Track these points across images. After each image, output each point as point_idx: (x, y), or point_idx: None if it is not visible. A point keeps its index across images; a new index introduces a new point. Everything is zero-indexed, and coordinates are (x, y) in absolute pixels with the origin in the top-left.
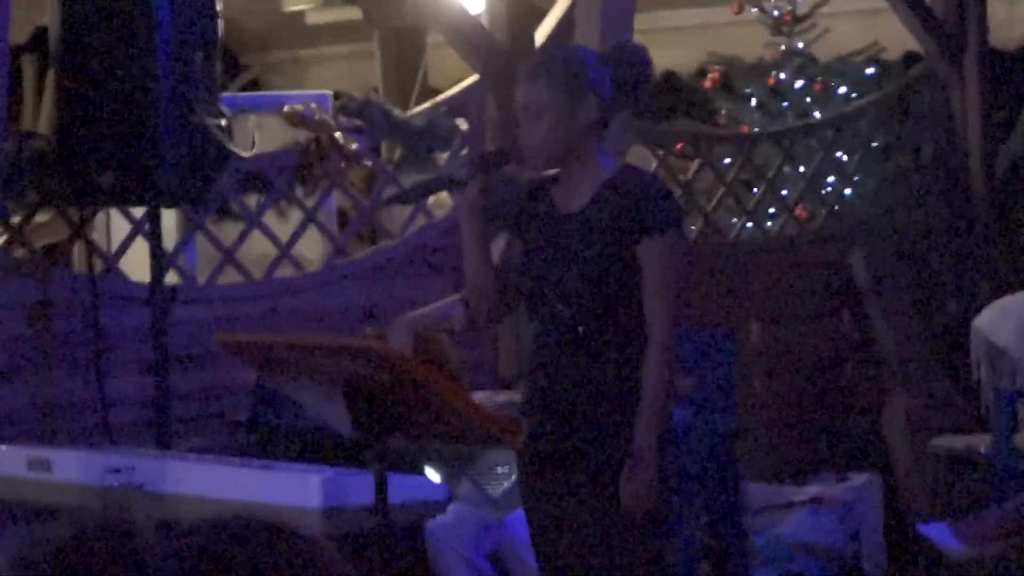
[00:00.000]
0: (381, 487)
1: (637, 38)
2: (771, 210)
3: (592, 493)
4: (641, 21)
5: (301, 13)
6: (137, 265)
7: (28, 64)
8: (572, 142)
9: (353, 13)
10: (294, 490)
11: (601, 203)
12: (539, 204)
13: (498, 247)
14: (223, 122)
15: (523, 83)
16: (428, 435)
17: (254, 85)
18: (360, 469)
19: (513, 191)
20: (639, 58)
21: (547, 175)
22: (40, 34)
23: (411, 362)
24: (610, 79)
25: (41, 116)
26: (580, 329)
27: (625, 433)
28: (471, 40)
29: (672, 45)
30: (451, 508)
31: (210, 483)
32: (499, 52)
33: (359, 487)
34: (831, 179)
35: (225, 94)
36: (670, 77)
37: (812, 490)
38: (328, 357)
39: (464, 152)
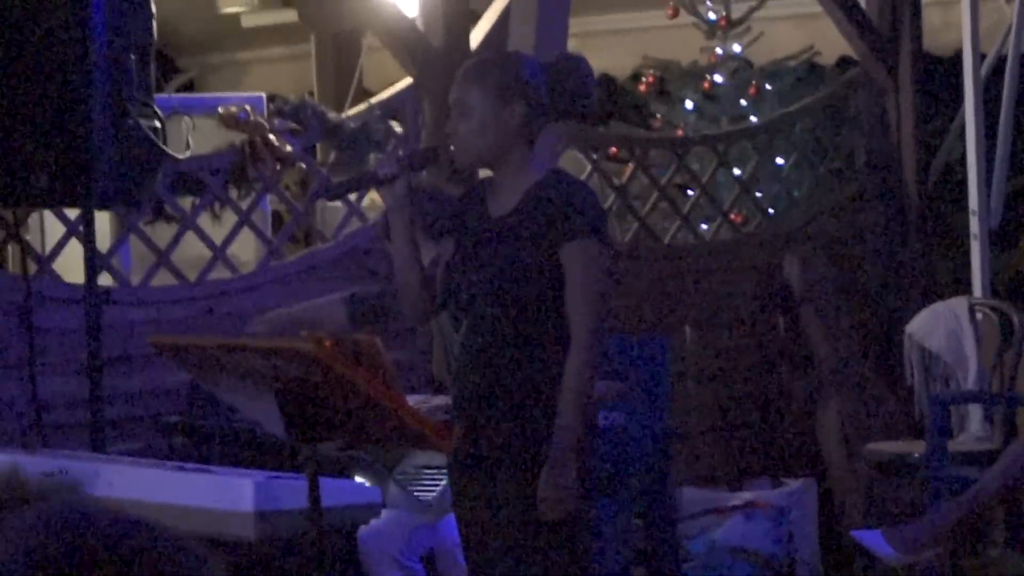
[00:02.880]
0: (314, 491)
1: (572, 42)
2: (705, 215)
3: (515, 495)
4: (576, 24)
5: (237, 16)
6: (71, 266)
7: None
8: (499, 144)
9: (289, 16)
10: (227, 494)
11: (527, 207)
12: (473, 207)
13: (428, 252)
14: (157, 124)
15: (457, 81)
16: (361, 438)
17: (191, 87)
18: (294, 472)
19: (440, 205)
20: (580, 70)
21: (484, 179)
22: None
23: (343, 364)
24: (548, 87)
25: None
26: (504, 332)
27: (544, 435)
28: (406, 42)
29: (607, 49)
30: (383, 512)
31: (143, 487)
32: (434, 55)
33: (292, 491)
34: (765, 184)
35: (159, 95)
36: (605, 81)
37: (746, 495)
38: (260, 359)
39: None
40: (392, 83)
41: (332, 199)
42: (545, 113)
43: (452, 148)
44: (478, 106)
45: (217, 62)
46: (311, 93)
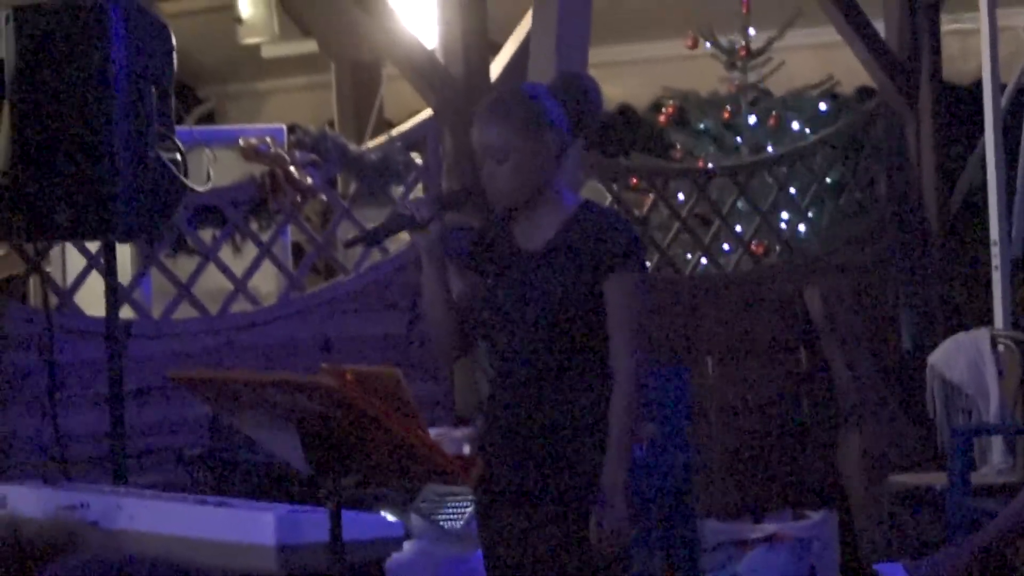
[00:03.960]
0: (336, 525)
1: (592, 71)
2: (726, 245)
3: (555, 531)
4: (596, 55)
5: (257, 46)
6: (92, 299)
7: None
8: (538, 180)
9: (309, 47)
10: (249, 527)
11: (565, 239)
12: (498, 241)
13: (456, 286)
14: (178, 157)
15: (480, 123)
16: (384, 472)
17: (211, 117)
18: (316, 505)
19: (467, 240)
20: (585, 87)
21: (505, 211)
22: None
23: (365, 399)
24: (561, 109)
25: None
26: (544, 366)
27: (587, 469)
28: (426, 74)
29: (627, 79)
30: (408, 545)
31: (165, 520)
32: (454, 86)
33: (314, 524)
34: (786, 214)
35: (180, 128)
36: (625, 110)
37: (768, 527)
38: (281, 394)
39: (419, 186)
40: (412, 112)
41: (369, 245)
42: (571, 136)
43: (490, 191)
44: (511, 146)
45: (237, 92)
46: (331, 123)
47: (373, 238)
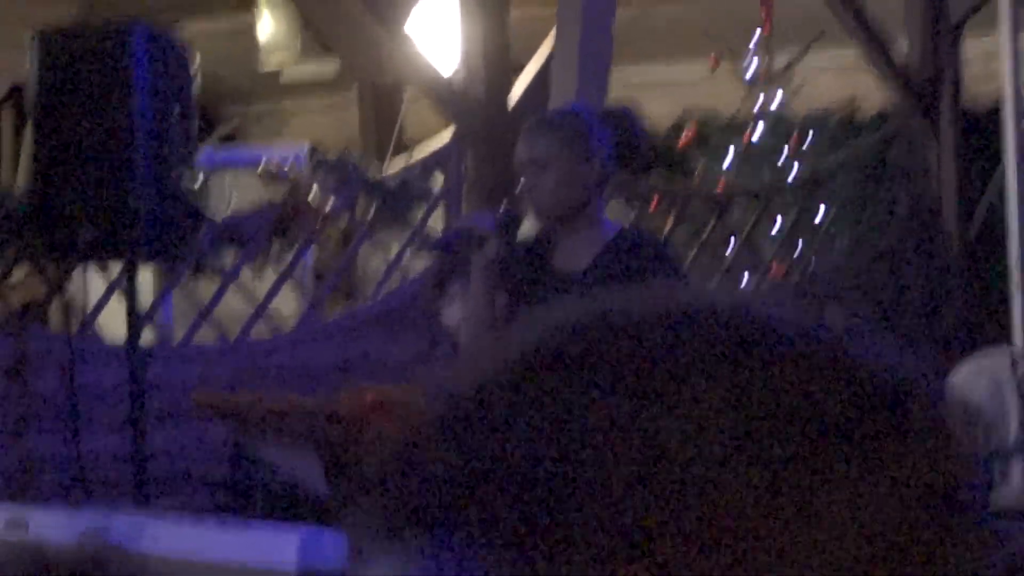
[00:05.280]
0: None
1: (613, 93)
2: (746, 267)
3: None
4: (617, 75)
5: (277, 72)
6: (114, 323)
7: (6, 118)
8: (576, 200)
9: (330, 67)
10: (271, 550)
11: (605, 264)
12: (533, 263)
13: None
14: (199, 180)
15: (528, 137)
16: None
17: (233, 137)
18: (338, 528)
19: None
20: (633, 123)
21: (538, 236)
22: (18, 89)
23: (379, 427)
24: (608, 141)
25: (19, 171)
26: None
27: None
28: (447, 97)
29: (647, 100)
30: None
31: (186, 543)
32: (475, 108)
33: (336, 546)
34: (806, 236)
35: (202, 150)
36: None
37: None
38: (301, 420)
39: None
40: (434, 132)
41: (441, 251)
42: (614, 166)
43: (530, 203)
44: (557, 161)
45: (260, 112)
46: (353, 142)
47: (440, 247)
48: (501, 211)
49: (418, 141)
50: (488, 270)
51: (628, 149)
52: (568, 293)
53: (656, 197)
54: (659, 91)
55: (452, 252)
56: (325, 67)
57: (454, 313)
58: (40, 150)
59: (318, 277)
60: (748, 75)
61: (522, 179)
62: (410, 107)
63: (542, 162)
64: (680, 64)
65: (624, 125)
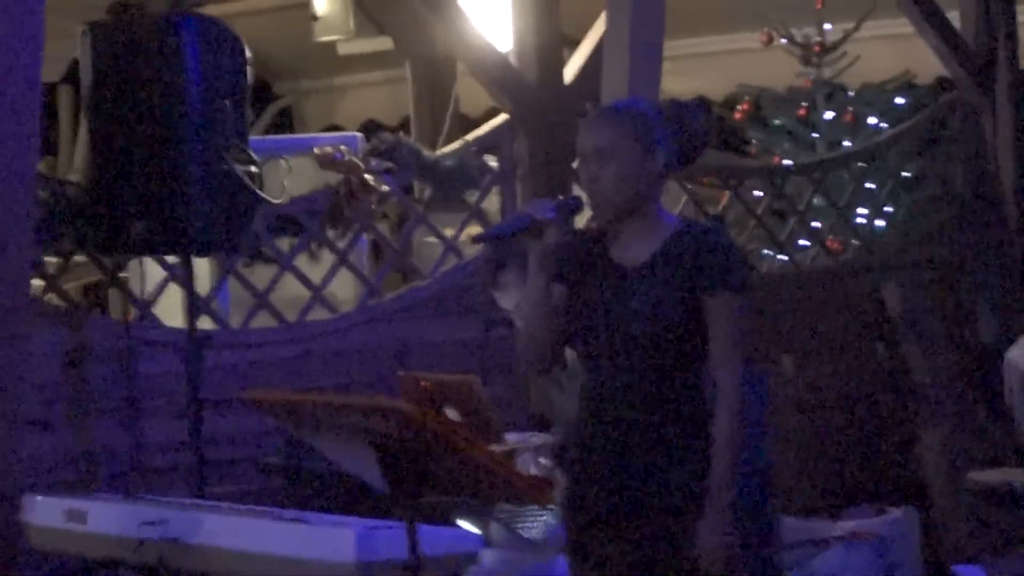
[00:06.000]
0: (413, 541)
1: (665, 65)
2: (802, 242)
3: (653, 553)
4: (671, 48)
5: (332, 44)
6: (172, 309)
7: (64, 95)
8: (638, 193)
9: (384, 44)
10: (329, 544)
11: (667, 257)
12: (591, 255)
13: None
14: (253, 168)
15: (590, 128)
16: (458, 492)
17: (287, 113)
18: (394, 519)
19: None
20: (696, 117)
21: (596, 227)
22: (77, 65)
23: (437, 422)
24: (671, 136)
25: (76, 156)
26: (642, 383)
27: (686, 489)
28: (500, 78)
29: (700, 72)
30: (487, 555)
31: (244, 536)
32: (528, 89)
33: (393, 540)
34: (863, 210)
35: (255, 138)
36: (702, 103)
37: (848, 525)
38: (355, 416)
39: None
40: (488, 108)
41: (494, 242)
42: (675, 162)
43: (590, 194)
44: (621, 153)
45: (313, 87)
46: (407, 118)
47: (497, 237)
48: (561, 199)
49: (473, 116)
50: (546, 259)
51: (690, 144)
52: (630, 286)
53: (711, 176)
54: (711, 62)
55: (508, 240)
56: (378, 44)
57: (510, 298)
58: (94, 143)
59: (373, 254)
60: (801, 49)
61: (583, 170)
62: (464, 82)
63: (605, 154)
64: (732, 34)
65: (687, 119)
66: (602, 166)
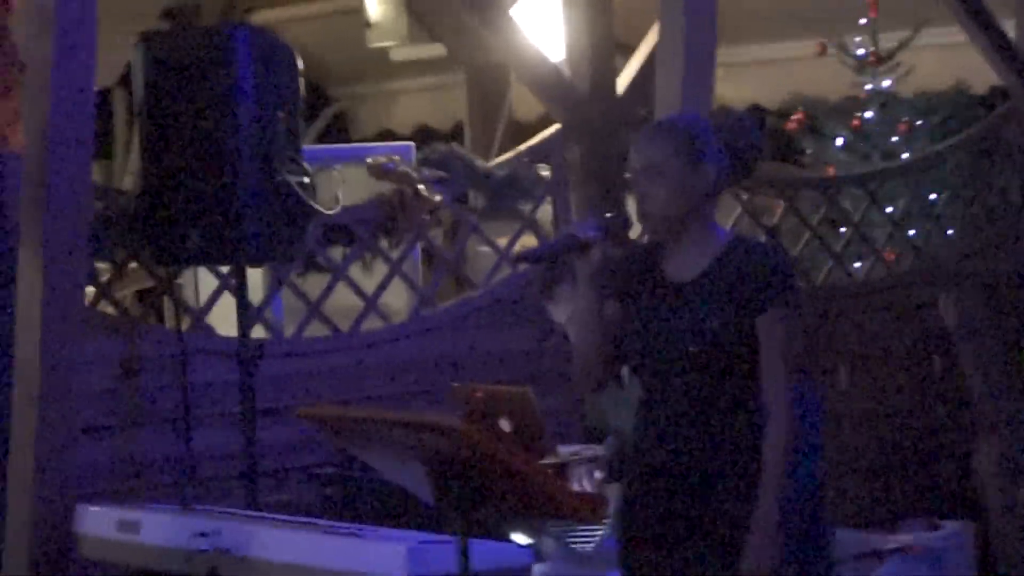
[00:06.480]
0: (464, 558)
1: (719, 71)
2: (858, 253)
3: (708, 568)
4: (725, 55)
5: (385, 50)
6: (225, 318)
7: (120, 99)
8: (689, 208)
9: (436, 50)
10: (380, 559)
11: (718, 273)
12: (644, 270)
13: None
14: (306, 179)
15: (641, 142)
16: (508, 509)
17: (341, 118)
18: (448, 531)
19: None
20: (748, 132)
21: (648, 242)
22: (131, 69)
23: (488, 439)
24: (723, 150)
25: (130, 163)
26: (695, 399)
27: (738, 506)
28: (551, 88)
29: (754, 79)
30: (539, 569)
31: (295, 549)
32: (580, 99)
33: (444, 555)
34: (918, 221)
35: (308, 147)
36: (756, 112)
37: (902, 538)
38: (406, 433)
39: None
40: (543, 114)
41: (536, 264)
42: (727, 176)
43: (641, 211)
44: (670, 170)
45: (367, 92)
46: (460, 124)
47: (540, 257)
48: (605, 216)
49: (526, 121)
50: (593, 278)
51: (742, 157)
52: (682, 302)
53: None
54: (766, 69)
55: (550, 259)
56: (432, 50)
57: (563, 311)
58: (146, 153)
59: (426, 262)
60: (855, 59)
61: (635, 186)
62: (518, 88)
63: (654, 170)
64: (787, 42)
65: (738, 132)
66: (652, 182)
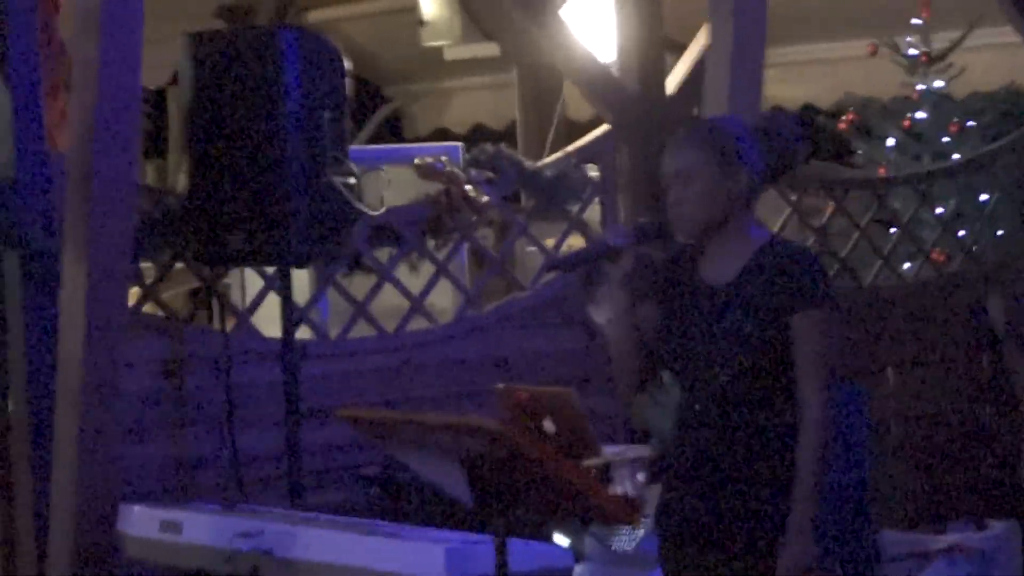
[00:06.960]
0: (502, 557)
1: (769, 72)
2: (908, 254)
3: (742, 568)
4: (774, 56)
5: (439, 48)
6: (270, 319)
7: (174, 98)
8: (722, 213)
9: (490, 49)
10: (420, 559)
11: (753, 275)
12: (681, 274)
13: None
14: (352, 180)
15: (672, 149)
16: (546, 511)
17: (396, 116)
18: (487, 532)
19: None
20: (787, 134)
21: (686, 245)
22: None
23: (529, 442)
24: (761, 151)
25: (183, 162)
26: (732, 402)
27: (774, 508)
28: (601, 89)
29: (805, 79)
30: (580, 570)
31: (336, 550)
32: (630, 101)
33: (484, 556)
34: (968, 222)
35: (356, 147)
36: (806, 110)
37: (950, 538)
38: (445, 434)
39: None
40: (595, 113)
41: (567, 271)
42: (764, 178)
43: (673, 217)
44: (701, 172)
45: (421, 91)
46: (515, 123)
47: (571, 265)
48: (638, 223)
49: (580, 121)
50: (624, 284)
51: (781, 158)
52: (718, 305)
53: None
54: (817, 69)
55: (590, 265)
56: (486, 49)
57: (603, 313)
58: (193, 154)
59: (473, 262)
60: (907, 59)
61: (668, 191)
62: (571, 87)
63: (687, 175)
64: (838, 42)
65: (777, 132)
66: (684, 188)
